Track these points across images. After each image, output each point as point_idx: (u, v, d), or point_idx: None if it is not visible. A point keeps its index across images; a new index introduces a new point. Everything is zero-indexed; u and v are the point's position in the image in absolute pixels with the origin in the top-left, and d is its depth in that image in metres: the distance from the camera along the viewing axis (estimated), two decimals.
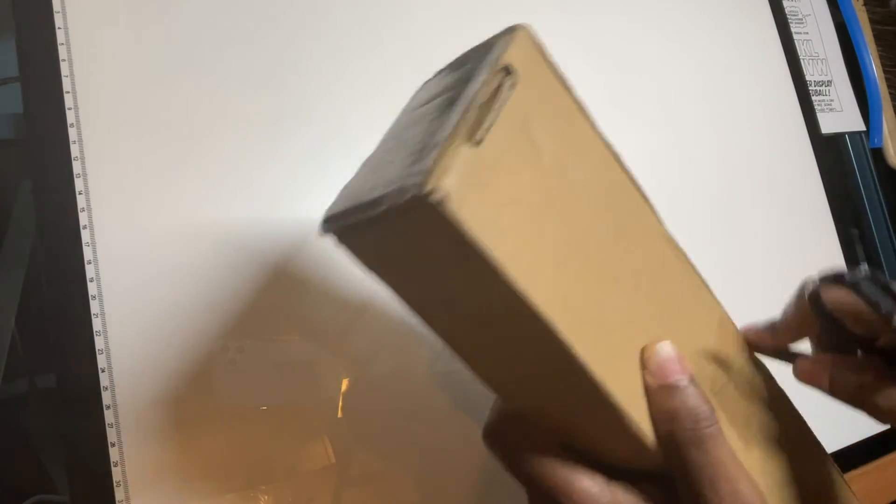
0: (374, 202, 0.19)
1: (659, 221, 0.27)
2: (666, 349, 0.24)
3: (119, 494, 0.32)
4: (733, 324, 0.30)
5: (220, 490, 0.34)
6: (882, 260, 0.60)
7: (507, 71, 0.21)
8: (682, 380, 0.23)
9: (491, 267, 0.19)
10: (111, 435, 0.33)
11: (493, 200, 0.19)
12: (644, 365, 0.24)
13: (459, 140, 0.19)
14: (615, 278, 0.23)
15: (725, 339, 0.29)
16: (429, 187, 0.18)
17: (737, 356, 0.29)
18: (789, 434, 0.29)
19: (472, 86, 0.21)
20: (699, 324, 0.28)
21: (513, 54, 0.22)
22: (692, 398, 0.23)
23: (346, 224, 0.22)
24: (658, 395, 0.23)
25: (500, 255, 0.19)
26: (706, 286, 0.29)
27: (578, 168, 0.23)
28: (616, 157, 0.25)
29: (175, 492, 0.33)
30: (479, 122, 0.19)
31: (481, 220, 0.18)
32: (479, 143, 0.19)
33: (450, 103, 0.21)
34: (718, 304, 0.30)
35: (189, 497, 0.33)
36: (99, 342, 0.33)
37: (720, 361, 0.28)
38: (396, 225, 0.19)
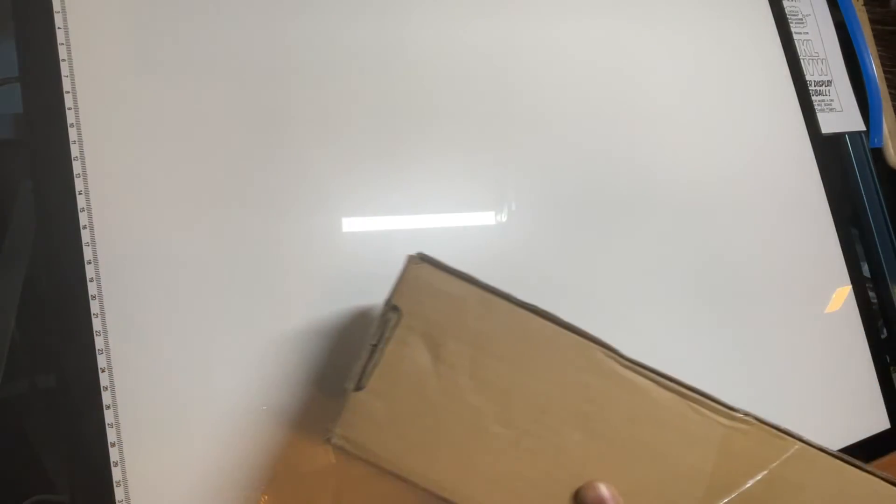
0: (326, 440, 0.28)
1: (607, 354, 0.29)
2: (591, 491, 0.28)
3: (119, 494, 0.32)
4: (749, 433, 0.30)
5: (219, 489, 0.34)
6: (882, 260, 0.60)
7: (395, 309, 0.29)
8: None
9: (385, 470, 0.27)
10: (111, 435, 0.33)
11: (374, 425, 0.28)
12: None
13: (350, 388, 0.28)
14: (532, 443, 0.28)
15: (723, 460, 0.29)
16: (326, 434, 0.28)
17: (737, 474, 0.29)
18: None
19: (371, 329, 0.29)
20: (672, 449, 0.29)
21: (399, 293, 0.29)
22: None
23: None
24: None
25: (388, 461, 0.27)
26: (693, 403, 0.30)
27: (486, 351, 0.29)
28: (536, 314, 0.29)
29: (175, 492, 0.33)
30: (364, 368, 0.28)
31: (366, 443, 0.27)
32: (361, 388, 0.28)
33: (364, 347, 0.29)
34: (715, 420, 0.30)
35: (189, 497, 0.33)
36: (99, 342, 0.33)
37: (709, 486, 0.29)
38: None
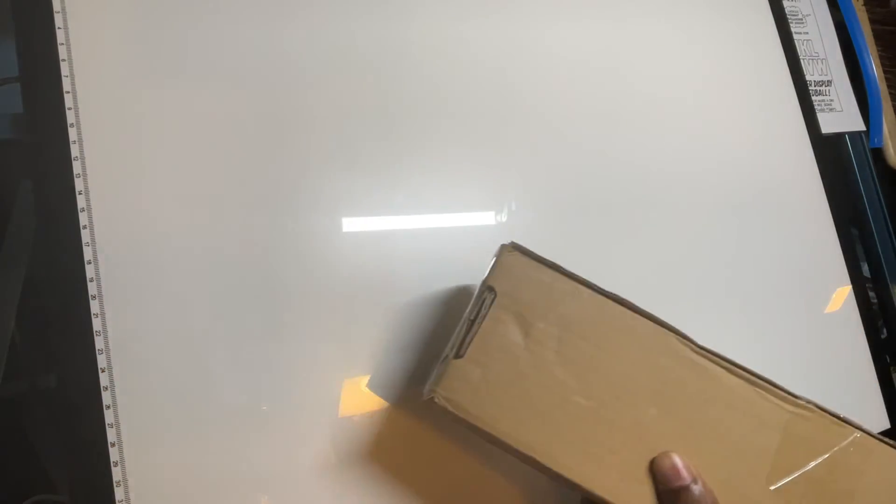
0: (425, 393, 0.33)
1: (681, 341, 0.32)
2: (667, 460, 0.30)
3: (119, 494, 0.32)
4: (810, 420, 0.32)
5: (219, 489, 0.34)
6: (882, 260, 0.60)
7: (491, 290, 0.33)
8: (684, 481, 0.29)
9: (480, 429, 0.31)
10: (111, 435, 0.33)
11: (471, 389, 0.31)
12: (653, 476, 0.30)
13: (451, 355, 0.32)
14: (612, 415, 0.31)
15: (787, 443, 0.32)
16: (428, 394, 0.32)
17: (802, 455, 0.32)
18: None
19: (470, 305, 0.33)
20: (739, 429, 0.32)
21: (494, 276, 0.33)
22: (695, 496, 0.29)
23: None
24: (667, 498, 0.30)
25: (483, 422, 0.31)
26: (760, 389, 0.32)
27: (571, 332, 0.32)
28: (617, 302, 0.33)
29: (175, 492, 0.33)
30: (464, 339, 0.32)
31: (464, 404, 0.31)
32: (460, 356, 0.32)
33: (463, 320, 0.33)
34: (780, 406, 0.32)
35: (189, 497, 0.33)
36: (99, 342, 0.33)
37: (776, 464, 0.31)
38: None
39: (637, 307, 0.33)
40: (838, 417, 0.32)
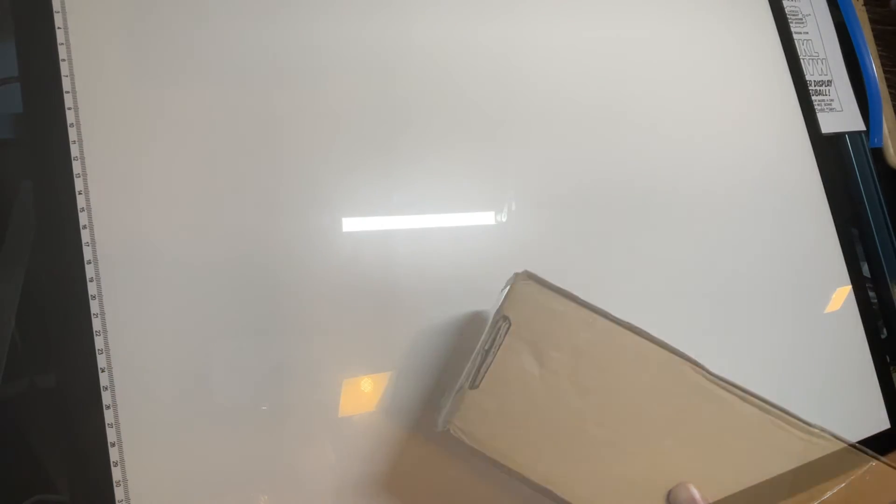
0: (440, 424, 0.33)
1: (695, 370, 0.32)
2: (684, 491, 0.30)
3: (119, 494, 0.32)
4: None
5: (219, 490, 0.34)
6: (882, 260, 0.60)
7: (506, 319, 0.32)
8: None
9: (496, 461, 0.31)
10: (111, 435, 0.33)
11: (487, 420, 0.31)
12: None
13: (466, 386, 0.32)
14: (628, 445, 0.31)
15: (803, 471, 0.32)
16: (444, 425, 0.32)
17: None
18: None
19: (484, 335, 0.33)
20: (755, 457, 0.32)
21: (509, 305, 0.33)
22: None
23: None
24: None
25: (501, 453, 0.30)
26: (774, 418, 0.32)
27: (586, 361, 0.32)
28: (631, 331, 0.33)
29: (175, 492, 0.33)
30: (479, 369, 0.32)
31: (480, 436, 0.31)
32: (475, 387, 0.31)
33: (477, 350, 0.33)
34: (795, 434, 0.32)
35: (189, 497, 0.33)
36: (99, 342, 0.33)
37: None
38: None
39: (651, 336, 0.33)
40: (853, 446, 0.32)
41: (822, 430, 0.32)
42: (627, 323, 0.33)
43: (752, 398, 0.32)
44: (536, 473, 0.31)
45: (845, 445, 0.32)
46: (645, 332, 0.33)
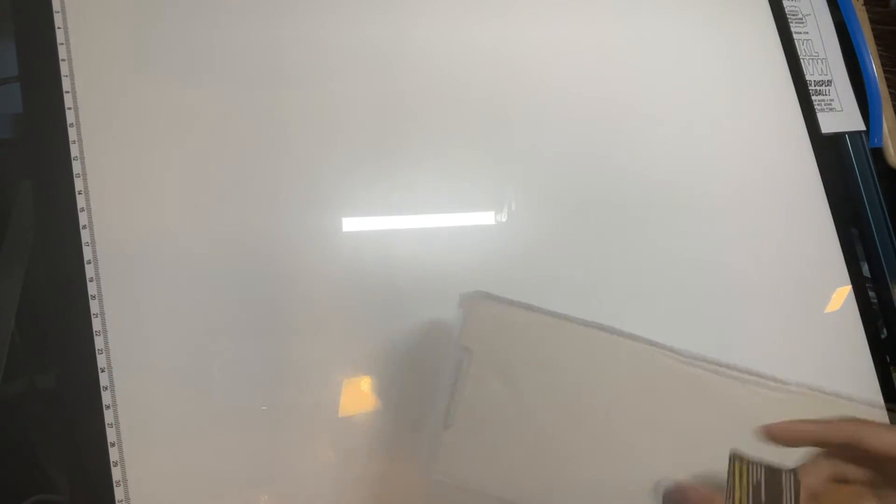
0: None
1: (667, 355, 0.32)
2: (669, 484, 0.30)
3: (119, 494, 0.32)
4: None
5: (219, 489, 0.34)
6: (882, 260, 0.60)
7: (466, 349, 0.31)
8: None
9: (486, 494, 0.30)
10: (111, 435, 0.33)
11: (468, 457, 0.30)
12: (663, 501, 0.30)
13: (440, 427, 0.31)
14: (611, 445, 0.30)
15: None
16: (427, 473, 0.32)
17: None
18: None
19: (449, 370, 0.32)
20: (738, 429, 0.31)
21: (467, 333, 0.32)
22: None
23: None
24: None
25: (489, 486, 0.30)
26: (752, 385, 0.32)
27: (556, 369, 0.31)
28: (597, 329, 0.32)
29: (175, 491, 0.33)
30: (448, 408, 0.31)
31: (463, 475, 0.30)
32: (449, 426, 0.31)
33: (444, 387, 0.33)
34: (774, 397, 0.32)
35: (189, 497, 0.33)
36: (99, 342, 0.33)
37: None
38: None
39: (618, 330, 0.32)
40: (832, 394, 0.32)
41: (800, 384, 0.32)
42: (593, 322, 0.32)
43: (726, 370, 0.32)
44: (524, 497, 0.30)
45: (827, 395, 0.32)
46: (612, 327, 0.32)
